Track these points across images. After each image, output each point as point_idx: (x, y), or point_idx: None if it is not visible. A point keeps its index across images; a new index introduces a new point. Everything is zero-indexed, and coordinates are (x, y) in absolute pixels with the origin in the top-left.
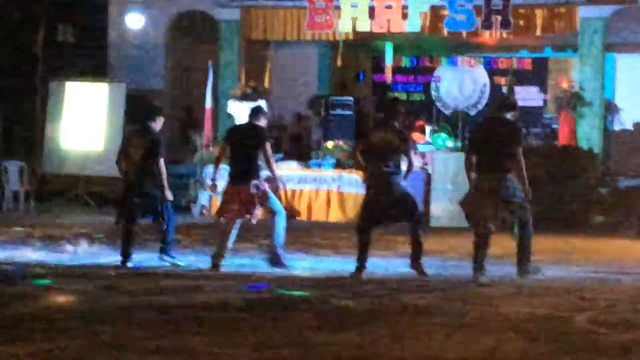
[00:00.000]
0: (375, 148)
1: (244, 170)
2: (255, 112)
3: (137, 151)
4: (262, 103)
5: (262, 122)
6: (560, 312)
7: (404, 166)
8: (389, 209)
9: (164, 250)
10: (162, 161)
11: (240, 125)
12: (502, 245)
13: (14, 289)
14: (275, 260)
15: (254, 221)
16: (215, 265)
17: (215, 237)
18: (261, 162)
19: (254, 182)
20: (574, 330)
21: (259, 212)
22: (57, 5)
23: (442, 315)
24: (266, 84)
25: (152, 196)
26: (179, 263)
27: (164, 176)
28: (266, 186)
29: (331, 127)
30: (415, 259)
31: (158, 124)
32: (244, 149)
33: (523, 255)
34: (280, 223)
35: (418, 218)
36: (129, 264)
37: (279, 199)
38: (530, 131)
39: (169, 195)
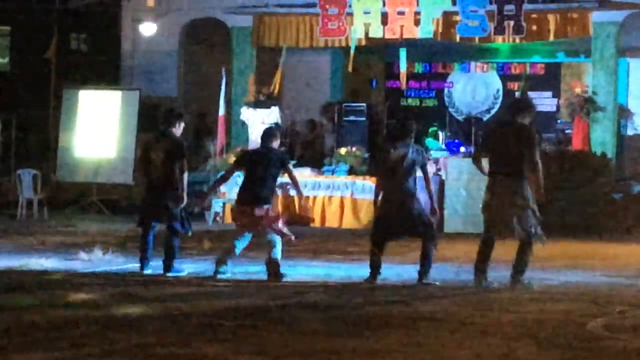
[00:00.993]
0: (392, 165)
1: (257, 193)
2: (268, 135)
3: (159, 156)
4: (274, 110)
5: (275, 144)
6: (573, 317)
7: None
8: (402, 226)
9: (170, 268)
10: (186, 163)
11: (256, 150)
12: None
13: (28, 296)
14: (274, 271)
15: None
16: (216, 272)
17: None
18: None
19: (266, 207)
20: (587, 335)
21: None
22: (71, 14)
23: (454, 321)
24: (275, 90)
25: (170, 201)
26: (184, 273)
27: (186, 179)
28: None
29: (344, 133)
30: (423, 274)
31: (178, 130)
32: (260, 172)
33: (517, 264)
34: (279, 246)
35: (431, 237)
36: (147, 271)
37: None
38: (544, 136)
39: (185, 198)
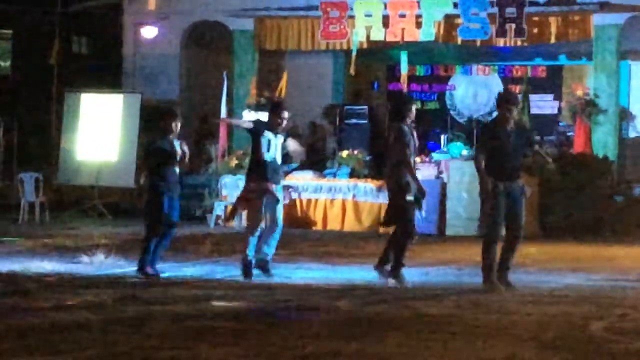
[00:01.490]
0: (388, 149)
1: None
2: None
3: None
4: None
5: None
6: (575, 320)
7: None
8: (388, 211)
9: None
10: (145, 164)
11: None
12: (519, 253)
13: (30, 299)
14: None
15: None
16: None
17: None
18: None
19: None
20: (589, 338)
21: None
22: (72, 17)
23: (456, 323)
24: (283, 93)
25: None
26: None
27: (148, 180)
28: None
29: (346, 136)
30: (381, 262)
31: (168, 128)
32: None
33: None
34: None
35: (400, 229)
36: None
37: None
38: (545, 139)
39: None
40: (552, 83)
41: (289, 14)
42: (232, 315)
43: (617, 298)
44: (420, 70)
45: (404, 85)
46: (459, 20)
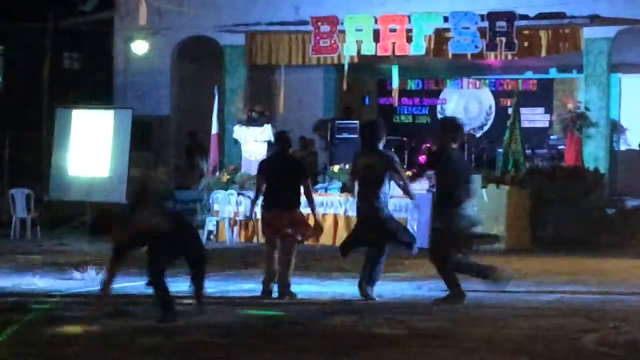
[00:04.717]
0: (360, 173)
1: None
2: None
3: None
4: (267, 127)
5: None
6: (567, 332)
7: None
8: (368, 233)
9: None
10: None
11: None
12: (511, 267)
13: (21, 316)
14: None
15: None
16: (267, 292)
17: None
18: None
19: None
20: (581, 351)
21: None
22: (64, 33)
23: (449, 338)
24: (281, 109)
25: None
26: None
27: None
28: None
29: (337, 150)
30: (369, 284)
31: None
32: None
33: None
34: None
35: (384, 250)
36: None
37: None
38: (536, 152)
39: None
40: (542, 96)
41: (280, 29)
42: (224, 331)
43: (609, 311)
44: (411, 85)
45: (395, 99)
46: (450, 34)
